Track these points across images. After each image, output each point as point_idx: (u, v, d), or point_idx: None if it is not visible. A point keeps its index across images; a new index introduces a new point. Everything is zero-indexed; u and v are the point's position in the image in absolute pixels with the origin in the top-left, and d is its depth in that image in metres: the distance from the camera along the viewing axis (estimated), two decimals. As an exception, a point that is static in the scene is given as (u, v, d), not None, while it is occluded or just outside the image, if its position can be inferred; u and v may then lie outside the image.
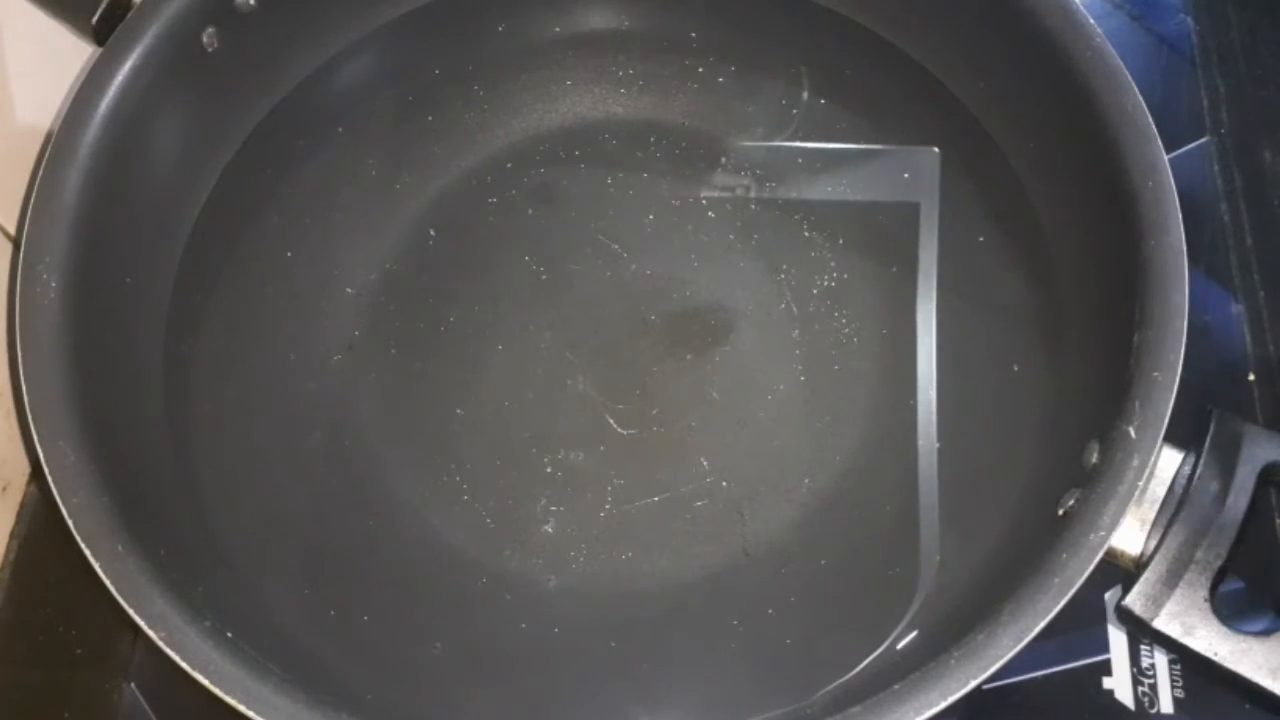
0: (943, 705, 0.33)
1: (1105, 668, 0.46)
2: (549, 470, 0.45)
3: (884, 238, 0.49)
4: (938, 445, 0.45)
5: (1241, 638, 0.35)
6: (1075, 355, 0.44)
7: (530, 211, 0.50)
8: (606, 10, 0.54)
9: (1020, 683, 0.46)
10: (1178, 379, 0.37)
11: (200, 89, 0.47)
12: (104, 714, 0.47)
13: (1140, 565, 0.36)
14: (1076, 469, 0.38)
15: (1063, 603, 0.34)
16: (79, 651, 0.47)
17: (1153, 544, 0.37)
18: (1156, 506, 0.37)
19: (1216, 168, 0.56)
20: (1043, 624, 0.34)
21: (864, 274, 0.49)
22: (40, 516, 0.46)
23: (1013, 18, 0.45)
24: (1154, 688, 0.46)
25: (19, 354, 0.39)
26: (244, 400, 0.47)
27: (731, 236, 0.50)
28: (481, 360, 0.48)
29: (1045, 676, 0.46)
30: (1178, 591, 0.36)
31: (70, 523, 0.36)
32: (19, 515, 0.46)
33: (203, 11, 0.46)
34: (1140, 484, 0.36)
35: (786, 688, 0.41)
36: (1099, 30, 0.43)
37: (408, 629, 0.43)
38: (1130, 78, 0.42)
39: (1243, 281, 0.53)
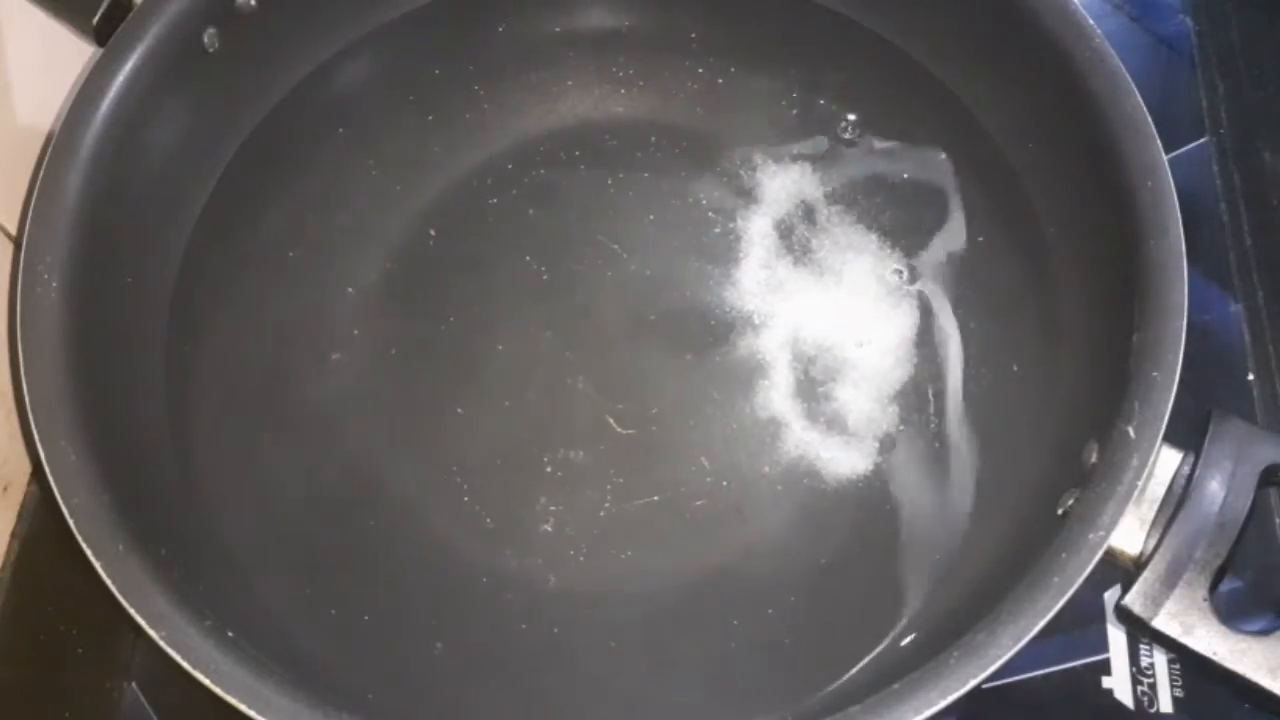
0: (942, 704, 0.33)
1: (1105, 667, 0.46)
2: (549, 470, 0.45)
3: (883, 237, 0.49)
4: (936, 445, 0.45)
5: (1240, 637, 0.36)
6: (1075, 355, 0.44)
7: (530, 211, 0.50)
8: (606, 10, 0.54)
9: (1020, 682, 0.46)
10: (1177, 379, 0.37)
11: (201, 89, 0.47)
12: (104, 714, 0.47)
13: (1139, 565, 0.37)
14: (1076, 469, 0.38)
15: (1062, 602, 0.34)
16: (79, 651, 0.47)
17: (1152, 543, 0.37)
18: (1156, 506, 0.37)
19: (1216, 168, 0.56)
20: (1042, 623, 0.34)
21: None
22: (41, 516, 0.46)
23: (1013, 18, 0.45)
24: (1153, 687, 0.46)
25: (19, 354, 0.39)
26: (244, 400, 0.47)
27: (731, 236, 0.50)
28: (481, 360, 0.48)
29: (1045, 676, 0.46)
30: (1177, 591, 0.36)
31: (71, 522, 0.36)
32: (20, 515, 0.46)
33: (203, 12, 0.46)
34: (1139, 484, 0.36)
35: (786, 688, 0.41)
36: (1099, 31, 0.43)
37: (408, 629, 0.43)
38: (1130, 78, 0.42)
39: (1242, 282, 0.53)
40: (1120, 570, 0.37)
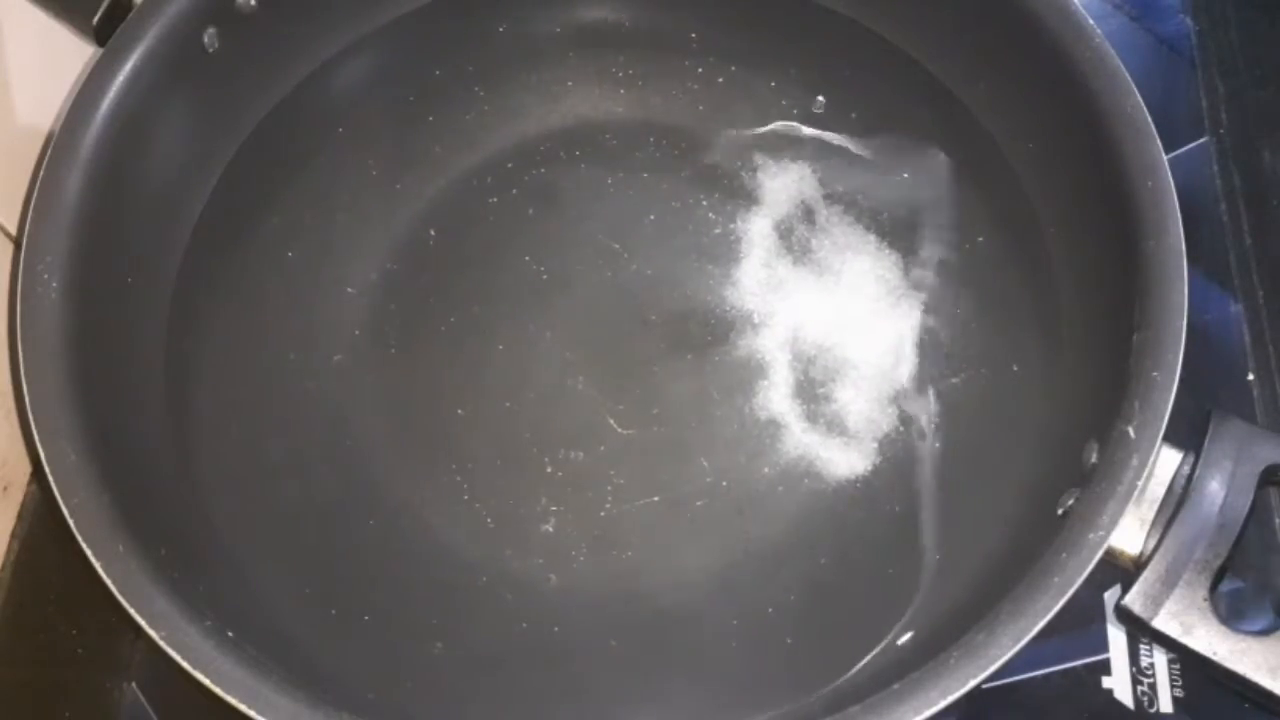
0: (942, 705, 0.33)
1: (1105, 667, 0.46)
2: (549, 470, 0.45)
3: (883, 237, 0.49)
4: (937, 445, 0.45)
5: (1240, 637, 0.36)
6: (1075, 355, 0.44)
7: (530, 211, 0.50)
8: (607, 10, 0.54)
9: (1020, 682, 0.46)
10: (1177, 379, 0.37)
11: (201, 89, 0.47)
12: (104, 714, 0.47)
13: (1139, 565, 0.37)
14: (1076, 468, 0.38)
15: (1062, 602, 0.34)
16: (79, 651, 0.47)
17: (1152, 543, 0.37)
18: (1156, 506, 0.37)
19: (1216, 168, 0.56)
20: (1042, 623, 0.34)
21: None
22: (41, 516, 0.46)
23: (1013, 18, 0.45)
24: (1153, 687, 0.46)
25: (19, 354, 0.39)
26: (244, 400, 0.47)
27: (731, 237, 0.50)
28: (481, 360, 0.48)
29: (1045, 676, 0.46)
30: (1177, 591, 0.36)
31: (71, 522, 0.36)
32: (20, 515, 0.46)
33: (203, 12, 0.46)
34: (1139, 484, 0.36)
35: (786, 687, 0.41)
36: (1099, 31, 0.43)
37: (408, 629, 0.43)
38: (1130, 78, 0.42)
39: (1242, 282, 0.53)
40: (1120, 570, 0.37)
